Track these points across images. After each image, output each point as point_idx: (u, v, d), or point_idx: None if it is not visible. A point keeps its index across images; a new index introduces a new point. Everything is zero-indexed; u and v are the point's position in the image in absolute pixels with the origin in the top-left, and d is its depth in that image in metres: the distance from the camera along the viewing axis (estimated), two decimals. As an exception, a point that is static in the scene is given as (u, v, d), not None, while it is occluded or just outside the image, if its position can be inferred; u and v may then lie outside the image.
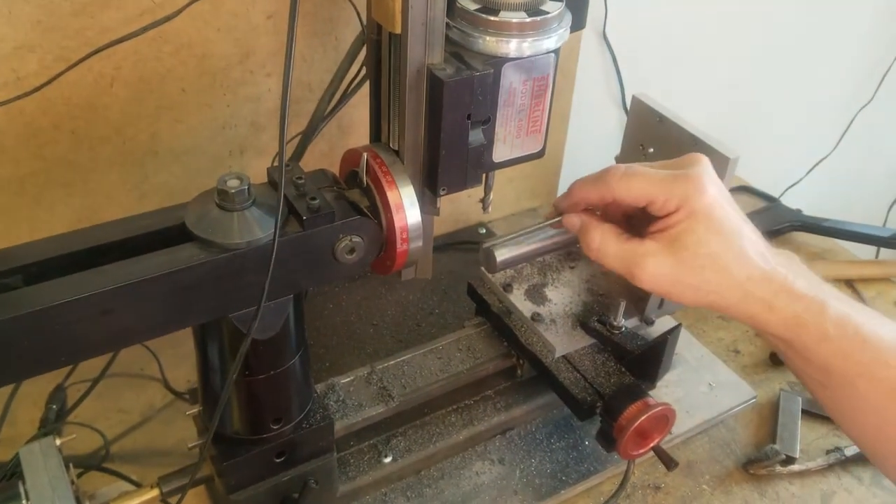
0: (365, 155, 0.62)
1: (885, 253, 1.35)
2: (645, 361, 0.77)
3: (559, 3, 0.62)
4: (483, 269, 0.74)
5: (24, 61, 0.71)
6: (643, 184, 0.57)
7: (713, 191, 0.56)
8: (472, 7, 0.60)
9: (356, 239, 0.59)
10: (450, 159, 0.63)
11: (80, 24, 0.72)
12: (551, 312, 0.78)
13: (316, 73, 0.86)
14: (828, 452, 0.84)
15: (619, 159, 0.84)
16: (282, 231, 0.54)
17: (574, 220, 0.63)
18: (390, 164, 0.62)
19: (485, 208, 0.74)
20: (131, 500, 0.66)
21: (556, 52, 0.63)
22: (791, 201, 1.24)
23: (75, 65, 0.70)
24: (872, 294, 1.08)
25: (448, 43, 0.61)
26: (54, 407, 0.82)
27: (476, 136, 0.64)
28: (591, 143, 1.13)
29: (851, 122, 1.58)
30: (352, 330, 0.94)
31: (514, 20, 0.60)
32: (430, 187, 0.66)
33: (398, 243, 0.61)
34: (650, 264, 0.56)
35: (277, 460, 0.67)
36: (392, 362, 0.80)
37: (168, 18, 0.71)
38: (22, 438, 0.77)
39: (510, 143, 0.67)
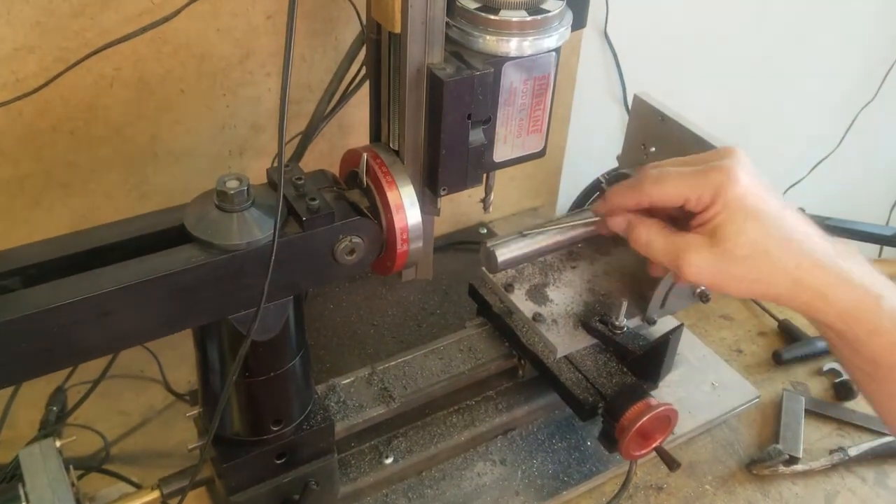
0: (365, 155, 0.62)
1: (889, 252, 1.34)
2: (647, 361, 0.77)
3: (560, 2, 0.62)
4: (484, 269, 0.74)
5: (23, 62, 0.71)
6: (675, 184, 0.57)
7: (746, 180, 0.55)
8: (473, 6, 0.60)
9: (356, 240, 0.59)
10: (450, 159, 0.63)
11: (80, 26, 0.71)
12: (553, 312, 0.78)
13: (316, 73, 0.86)
14: (831, 452, 0.83)
15: (620, 159, 0.83)
16: (281, 232, 0.54)
17: (619, 221, 0.62)
18: (390, 164, 0.62)
19: (486, 208, 0.73)
20: (132, 501, 0.66)
21: (557, 51, 0.63)
22: (793, 200, 1.22)
23: (74, 66, 0.70)
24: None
25: (448, 42, 0.61)
26: (54, 408, 0.82)
27: (476, 135, 0.63)
28: (592, 143, 1.12)
29: (854, 120, 1.57)
30: (352, 330, 0.94)
31: (515, 19, 0.60)
32: (431, 187, 0.65)
33: (398, 244, 0.61)
34: (693, 257, 0.56)
35: (278, 462, 0.66)
36: (393, 363, 0.80)
37: (167, 19, 0.71)
38: (22, 440, 0.77)
39: (511, 142, 0.67)
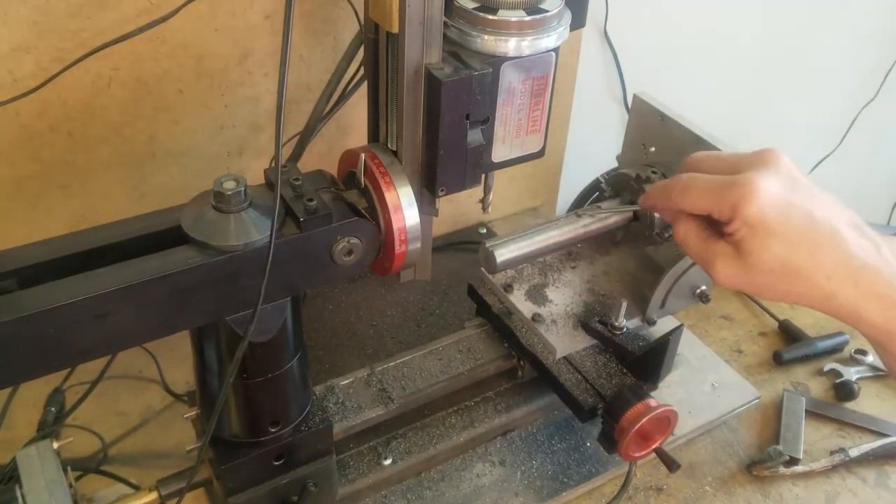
0: (362, 155, 0.61)
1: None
2: (647, 362, 0.77)
3: (558, 2, 0.62)
4: (483, 269, 0.74)
5: (20, 63, 0.71)
6: (699, 195, 0.56)
7: (769, 193, 0.52)
8: (471, 6, 0.60)
9: (354, 240, 0.58)
10: (448, 159, 0.63)
11: (77, 26, 0.71)
12: (552, 313, 0.77)
13: (314, 73, 0.86)
14: (832, 453, 0.83)
15: (620, 159, 0.83)
16: (278, 233, 0.54)
17: (664, 212, 0.62)
18: (388, 164, 0.62)
19: (484, 208, 0.73)
20: (130, 502, 0.66)
21: (556, 50, 0.63)
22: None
23: (71, 66, 0.70)
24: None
25: (446, 42, 0.60)
26: (53, 409, 0.81)
27: (475, 135, 0.63)
28: (592, 142, 1.12)
29: (855, 119, 1.57)
30: (351, 331, 0.93)
31: (513, 19, 0.59)
32: (429, 188, 0.65)
33: (396, 245, 0.61)
34: (721, 265, 0.55)
35: (276, 463, 0.66)
36: (392, 364, 0.80)
37: (164, 19, 0.71)
38: (20, 441, 0.77)
39: (510, 142, 0.66)
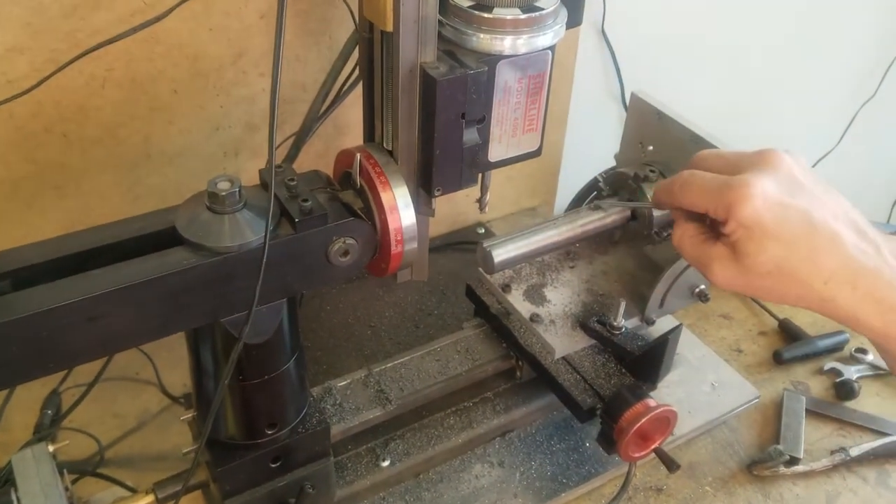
0: (358, 155, 0.61)
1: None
2: (646, 362, 0.76)
3: (554, 0, 0.61)
4: (481, 269, 0.73)
5: (13, 64, 0.70)
6: (697, 195, 0.55)
7: (764, 195, 0.52)
8: (466, 4, 0.60)
9: (350, 241, 0.58)
10: (444, 159, 0.62)
11: (71, 27, 0.71)
12: (550, 313, 0.77)
13: (310, 72, 0.86)
14: (832, 453, 0.83)
15: (618, 157, 0.83)
16: (273, 234, 0.54)
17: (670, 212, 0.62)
18: (384, 164, 0.61)
19: (482, 208, 0.73)
20: (126, 506, 0.65)
21: (552, 49, 0.62)
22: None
23: (65, 66, 0.70)
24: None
25: (441, 41, 0.60)
26: (49, 412, 0.81)
27: (471, 135, 0.63)
28: (590, 141, 1.12)
29: (854, 118, 1.57)
30: (349, 332, 0.93)
31: (509, 17, 0.59)
32: (425, 188, 0.65)
33: (392, 245, 0.60)
34: (717, 268, 0.55)
35: (273, 465, 0.66)
36: (390, 365, 0.80)
37: (159, 19, 0.70)
38: (16, 444, 0.76)
39: (506, 142, 0.66)
